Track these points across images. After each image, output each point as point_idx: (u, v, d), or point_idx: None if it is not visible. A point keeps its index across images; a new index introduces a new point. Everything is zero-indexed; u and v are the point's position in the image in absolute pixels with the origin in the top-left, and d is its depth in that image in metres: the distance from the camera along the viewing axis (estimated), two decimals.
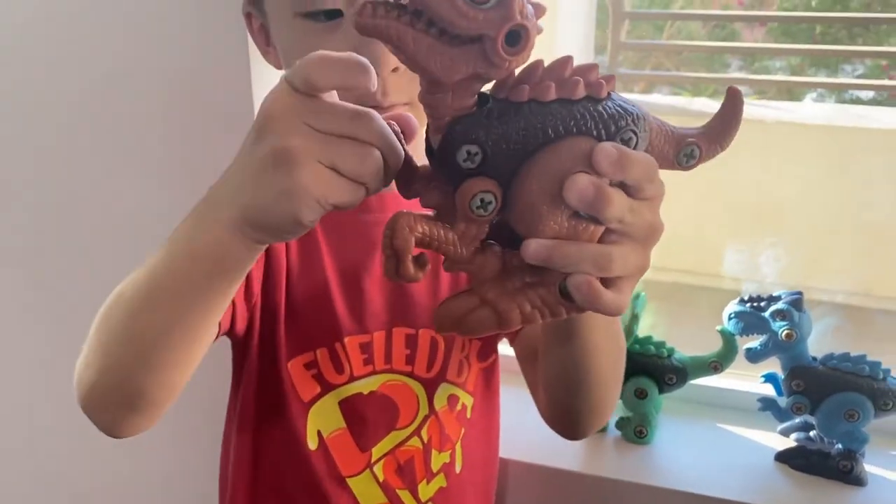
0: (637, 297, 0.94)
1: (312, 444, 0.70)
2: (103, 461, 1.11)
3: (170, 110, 0.92)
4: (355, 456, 0.71)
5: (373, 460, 0.71)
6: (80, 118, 0.97)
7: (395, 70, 0.59)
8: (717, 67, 1.98)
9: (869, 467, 0.89)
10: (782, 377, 0.91)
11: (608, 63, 1.68)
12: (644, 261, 0.42)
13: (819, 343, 0.92)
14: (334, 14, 0.59)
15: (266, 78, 0.85)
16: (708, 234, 1.79)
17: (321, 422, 0.70)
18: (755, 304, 0.91)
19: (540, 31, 0.38)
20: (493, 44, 0.37)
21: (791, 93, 1.91)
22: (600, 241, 0.41)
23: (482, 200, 0.39)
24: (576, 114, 0.39)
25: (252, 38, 0.70)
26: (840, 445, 0.89)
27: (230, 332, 0.65)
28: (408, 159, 0.43)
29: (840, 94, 1.93)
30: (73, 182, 1.00)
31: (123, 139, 0.96)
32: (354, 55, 0.40)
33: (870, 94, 1.93)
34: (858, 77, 1.98)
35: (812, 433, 0.92)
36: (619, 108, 0.40)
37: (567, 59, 0.39)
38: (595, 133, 0.39)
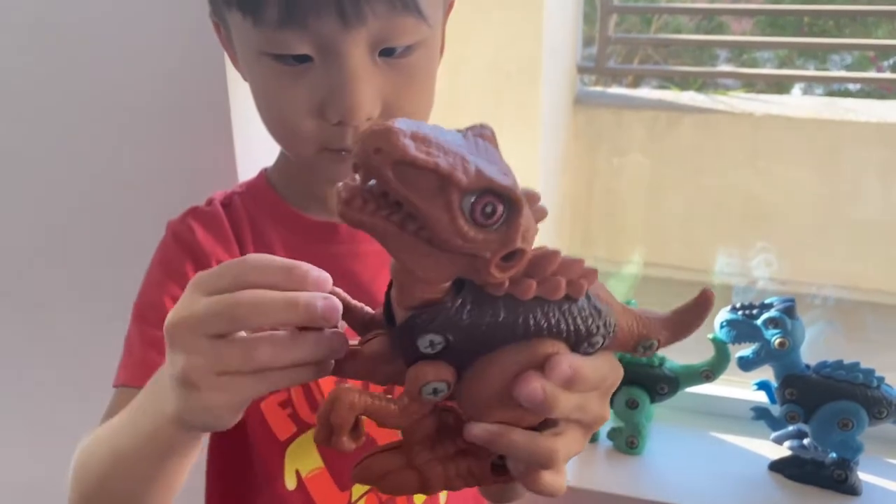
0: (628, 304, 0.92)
1: (291, 483, 0.67)
2: None
3: (144, 112, 0.89)
4: (335, 495, 0.68)
5: (353, 499, 0.69)
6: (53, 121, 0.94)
7: (369, 119, 0.57)
8: (705, 60, 1.97)
9: (863, 476, 0.88)
10: (775, 385, 0.90)
11: (596, 57, 1.66)
12: (583, 444, 0.42)
13: (811, 346, 0.91)
14: (304, 58, 0.56)
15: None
16: (697, 228, 1.78)
17: (299, 461, 0.67)
18: (747, 312, 0.90)
19: (536, 231, 0.36)
20: (485, 264, 0.34)
21: (779, 85, 1.90)
22: (546, 423, 0.40)
23: (434, 389, 0.38)
24: (550, 316, 0.37)
25: (221, 44, 0.67)
26: (834, 454, 0.88)
27: None
28: (346, 306, 0.42)
29: (828, 84, 1.92)
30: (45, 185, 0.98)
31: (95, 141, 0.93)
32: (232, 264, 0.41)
33: (858, 85, 1.92)
34: (846, 68, 1.97)
35: (806, 441, 0.91)
36: (592, 310, 0.38)
37: (554, 255, 0.37)
38: (566, 336, 0.38)
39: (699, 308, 0.42)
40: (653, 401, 0.93)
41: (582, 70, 1.71)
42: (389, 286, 0.39)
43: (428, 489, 0.41)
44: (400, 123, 0.32)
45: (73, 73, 0.90)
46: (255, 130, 0.86)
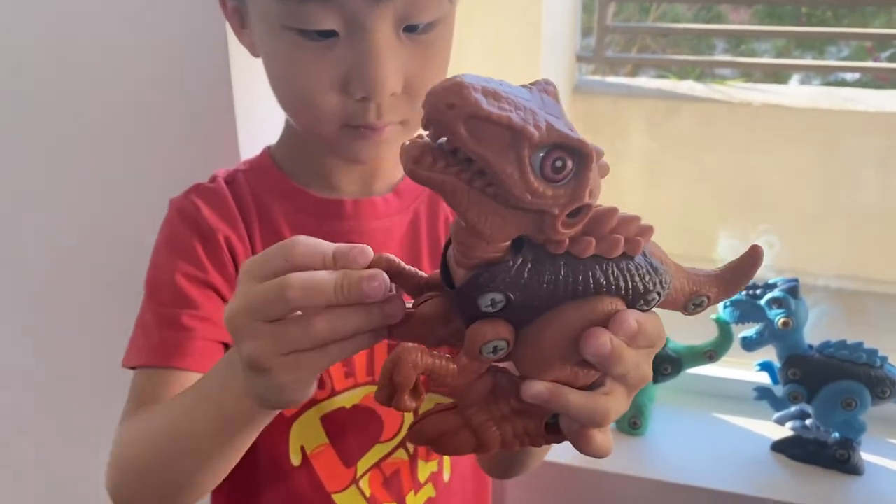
0: None
1: (296, 460, 0.67)
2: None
3: (148, 105, 0.89)
4: (340, 471, 0.68)
5: (358, 475, 0.68)
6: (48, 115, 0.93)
7: (392, 94, 0.57)
8: (703, 50, 1.97)
9: (866, 456, 0.89)
10: (778, 366, 0.90)
11: (595, 47, 1.65)
12: (629, 404, 0.42)
13: (812, 329, 0.91)
14: (329, 34, 0.56)
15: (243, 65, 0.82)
16: (696, 219, 1.78)
17: (304, 438, 0.67)
18: (751, 293, 0.90)
19: (601, 188, 0.36)
20: (552, 220, 0.34)
21: (777, 75, 1.90)
22: (594, 384, 0.41)
23: (495, 347, 0.38)
24: (609, 274, 0.37)
25: (225, 16, 0.66)
26: (837, 434, 0.88)
27: None
28: (402, 273, 0.42)
29: (825, 75, 1.92)
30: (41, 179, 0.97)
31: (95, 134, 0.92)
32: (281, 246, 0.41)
33: (855, 75, 1.93)
34: (843, 59, 1.98)
35: (808, 422, 0.91)
36: (649, 268, 0.38)
37: (612, 213, 0.37)
38: (624, 293, 0.38)
39: (749, 264, 0.43)
40: (656, 381, 0.93)
41: (581, 59, 1.70)
42: (446, 247, 0.39)
43: (484, 448, 0.41)
44: (469, 78, 0.32)
45: (71, 51, 0.89)
46: (258, 108, 0.86)
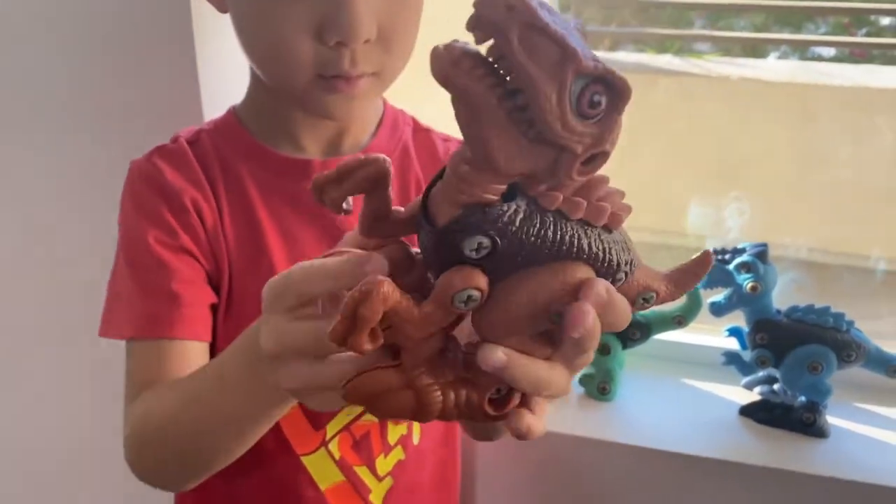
0: None
1: None
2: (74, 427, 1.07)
3: (103, 45, 0.87)
4: (308, 434, 0.67)
5: (327, 437, 0.68)
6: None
7: (366, 41, 0.57)
8: (681, 25, 1.96)
9: (831, 419, 0.89)
10: (746, 331, 0.90)
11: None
12: (568, 389, 0.40)
13: (780, 297, 0.91)
14: None
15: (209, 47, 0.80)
16: (671, 192, 1.78)
17: None
18: (720, 257, 0.90)
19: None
20: (571, 161, 0.33)
21: (755, 49, 1.90)
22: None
23: (469, 297, 0.35)
24: (592, 241, 0.36)
25: None
26: (803, 398, 0.88)
27: None
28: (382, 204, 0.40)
29: (803, 52, 1.92)
30: None
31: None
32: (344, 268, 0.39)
33: (832, 52, 1.93)
34: (822, 35, 1.98)
35: (776, 386, 0.91)
36: (624, 245, 0.37)
37: (603, 181, 0.36)
38: (598, 264, 0.36)
39: (698, 268, 0.42)
40: (625, 347, 0.93)
41: None
42: (431, 184, 0.37)
43: (422, 414, 0.38)
44: None
45: (26, 9, 0.87)
46: (222, 65, 0.84)
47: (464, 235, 0.34)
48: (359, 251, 0.40)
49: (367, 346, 0.35)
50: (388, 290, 0.34)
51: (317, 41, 0.56)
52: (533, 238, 0.34)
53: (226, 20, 0.62)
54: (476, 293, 0.35)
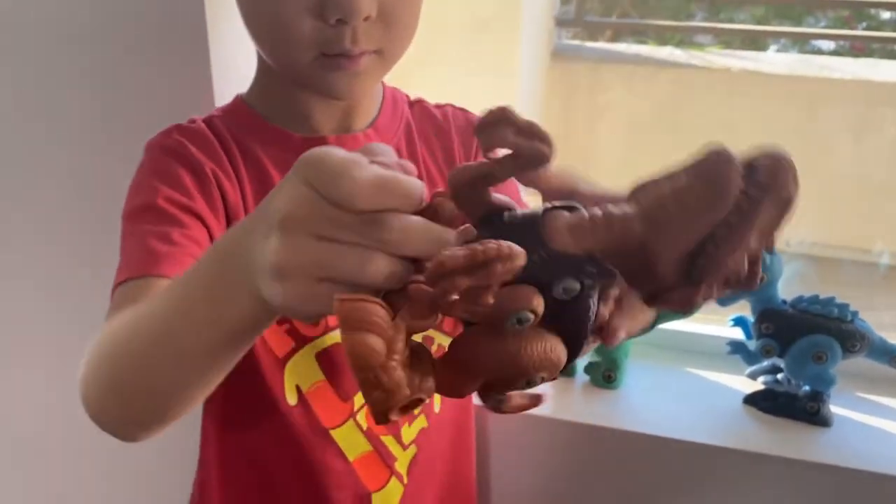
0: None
1: (292, 399, 0.67)
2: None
3: (116, 39, 0.86)
4: (337, 407, 0.68)
5: (355, 409, 0.69)
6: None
7: (366, 18, 0.57)
8: (682, 17, 1.96)
9: (834, 408, 0.90)
10: (752, 320, 0.91)
11: (574, 12, 1.64)
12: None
13: (785, 287, 0.91)
14: None
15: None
16: None
17: (299, 376, 0.66)
18: None
19: None
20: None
21: (755, 43, 1.90)
22: None
23: (522, 318, 0.35)
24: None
25: None
26: (807, 387, 0.89)
27: None
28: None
29: (802, 45, 1.92)
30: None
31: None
32: (410, 184, 0.34)
33: (831, 45, 1.93)
34: (822, 29, 1.98)
35: (780, 376, 0.92)
36: None
37: None
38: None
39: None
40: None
41: (560, 23, 1.69)
42: (553, 209, 0.36)
43: (373, 378, 0.33)
44: None
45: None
46: (233, 55, 0.84)
47: (566, 274, 0.35)
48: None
49: (488, 301, 0.33)
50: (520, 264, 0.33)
51: (318, 20, 0.56)
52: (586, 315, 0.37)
53: (236, 13, 0.62)
54: (531, 316, 0.35)
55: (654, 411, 0.91)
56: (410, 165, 0.36)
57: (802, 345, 0.87)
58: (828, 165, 1.61)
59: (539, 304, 0.35)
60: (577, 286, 0.35)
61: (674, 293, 0.34)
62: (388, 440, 0.70)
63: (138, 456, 1.02)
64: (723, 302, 0.89)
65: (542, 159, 0.36)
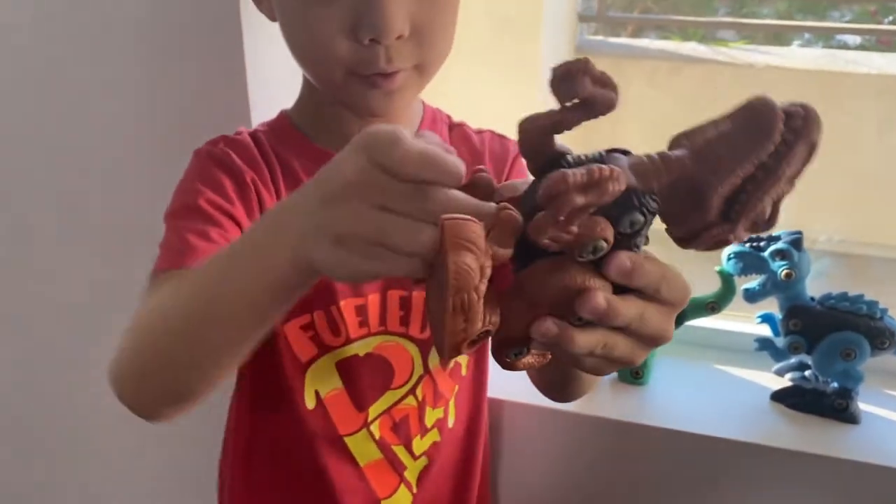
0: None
1: (310, 403, 0.69)
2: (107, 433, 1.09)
3: (154, 57, 0.88)
4: (352, 415, 0.70)
5: (369, 419, 0.71)
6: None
7: (399, 37, 0.58)
8: (705, 13, 1.95)
9: (862, 405, 0.90)
10: (779, 317, 0.91)
11: (597, 7, 1.64)
12: (639, 357, 0.42)
13: (812, 285, 0.92)
14: None
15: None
16: None
17: (319, 382, 0.69)
18: (754, 244, 0.90)
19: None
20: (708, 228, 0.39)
21: (779, 38, 1.89)
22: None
23: (597, 247, 0.38)
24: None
25: None
26: (835, 384, 0.89)
27: None
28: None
29: (827, 40, 1.91)
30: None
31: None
32: (453, 161, 0.37)
33: (857, 40, 1.91)
34: (847, 23, 1.96)
35: (807, 373, 0.92)
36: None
37: None
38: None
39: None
40: None
41: (583, 18, 1.69)
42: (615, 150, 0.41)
43: (467, 282, 0.36)
44: None
45: (82, 13, 0.88)
46: (269, 73, 0.85)
47: (632, 208, 0.38)
48: None
49: (573, 229, 0.37)
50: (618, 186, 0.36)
51: (352, 40, 0.58)
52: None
53: (274, 29, 0.63)
54: (605, 245, 0.38)
55: (681, 407, 0.91)
56: (452, 149, 0.39)
57: (831, 342, 0.87)
58: (855, 161, 1.60)
59: (612, 234, 0.38)
60: (642, 219, 0.38)
61: (712, 230, 0.39)
62: (399, 450, 0.72)
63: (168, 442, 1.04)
64: (751, 298, 0.90)
65: (611, 107, 0.40)
